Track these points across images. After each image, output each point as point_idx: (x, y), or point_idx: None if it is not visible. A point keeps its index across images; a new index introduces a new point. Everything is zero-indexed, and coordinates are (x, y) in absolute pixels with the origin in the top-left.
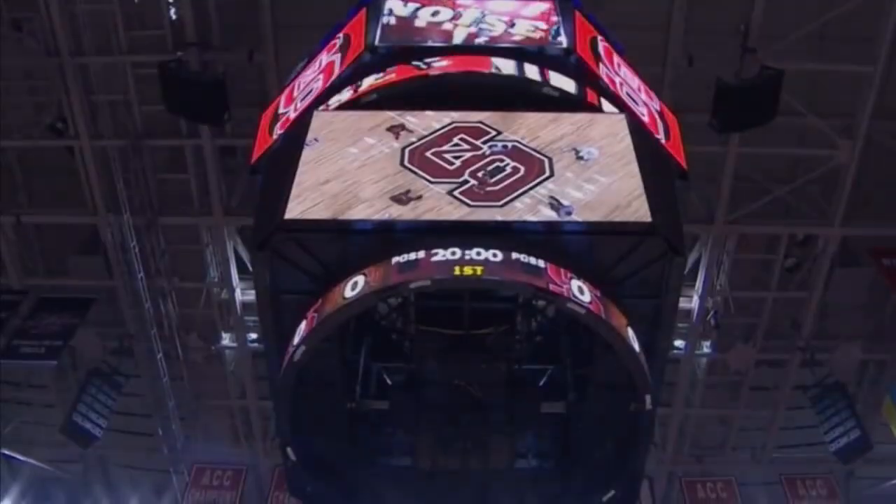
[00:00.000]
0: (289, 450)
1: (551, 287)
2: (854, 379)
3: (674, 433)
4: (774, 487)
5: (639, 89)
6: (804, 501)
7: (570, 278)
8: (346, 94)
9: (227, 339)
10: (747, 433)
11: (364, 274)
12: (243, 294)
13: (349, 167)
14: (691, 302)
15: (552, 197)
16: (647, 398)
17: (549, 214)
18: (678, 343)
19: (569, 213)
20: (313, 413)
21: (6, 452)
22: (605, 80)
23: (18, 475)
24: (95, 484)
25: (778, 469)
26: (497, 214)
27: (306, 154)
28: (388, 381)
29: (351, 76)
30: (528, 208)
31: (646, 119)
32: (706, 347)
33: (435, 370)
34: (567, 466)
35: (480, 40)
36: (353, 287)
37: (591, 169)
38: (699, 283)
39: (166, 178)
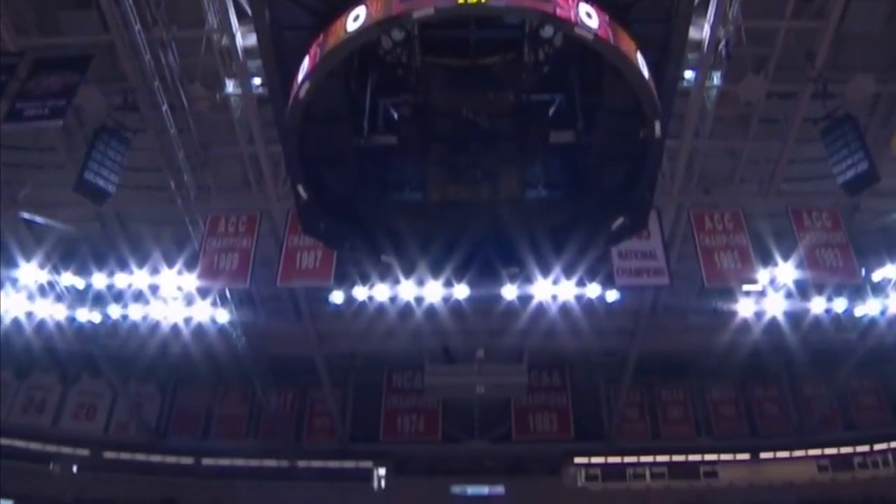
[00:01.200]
0: (300, 187)
1: (558, 12)
2: (866, 112)
3: (682, 165)
4: (780, 219)
5: None
6: (809, 232)
7: (578, 2)
8: None
9: (230, 86)
10: (756, 165)
11: (366, 5)
12: (244, 39)
13: None
14: (702, 32)
15: None
16: (657, 124)
17: None
18: (688, 74)
19: None
20: (322, 151)
21: (26, 216)
22: None
23: (42, 238)
24: (119, 240)
25: (784, 201)
26: None
27: None
28: (395, 116)
29: None
30: None
31: None
32: (717, 78)
33: (442, 101)
34: (576, 196)
35: None
36: (355, 19)
37: None
38: (711, 12)
39: None
